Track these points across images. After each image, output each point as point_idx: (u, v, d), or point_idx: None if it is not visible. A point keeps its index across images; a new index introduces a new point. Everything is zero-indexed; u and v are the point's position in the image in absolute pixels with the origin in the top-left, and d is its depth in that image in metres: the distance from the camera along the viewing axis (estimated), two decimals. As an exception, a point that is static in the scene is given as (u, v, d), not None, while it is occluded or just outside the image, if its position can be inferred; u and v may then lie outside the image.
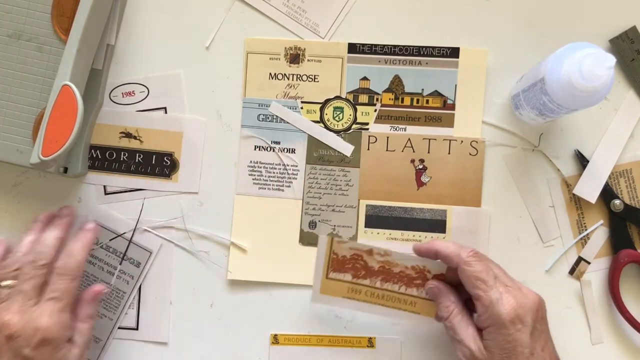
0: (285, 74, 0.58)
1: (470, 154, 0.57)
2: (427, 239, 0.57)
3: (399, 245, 0.57)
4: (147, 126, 0.58)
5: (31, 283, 0.50)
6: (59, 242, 0.53)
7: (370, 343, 0.56)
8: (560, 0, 0.57)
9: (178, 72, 0.58)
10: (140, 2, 0.58)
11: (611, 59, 0.44)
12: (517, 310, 0.46)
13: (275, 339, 0.57)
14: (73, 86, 0.50)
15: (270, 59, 0.58)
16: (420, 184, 0.57)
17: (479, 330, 0.49)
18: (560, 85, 0.46)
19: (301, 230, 0.57)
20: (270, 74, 0.58)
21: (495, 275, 0.48)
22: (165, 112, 0.58)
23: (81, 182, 0.59)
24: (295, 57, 0.58)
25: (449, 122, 0.57)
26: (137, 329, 0.58)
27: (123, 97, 0.58)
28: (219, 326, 0.57)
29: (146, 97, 0.58)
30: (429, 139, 0.57)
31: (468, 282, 0.48)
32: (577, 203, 0.56)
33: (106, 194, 0.58)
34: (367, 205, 0.57)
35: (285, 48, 0.58)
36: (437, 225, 0.57)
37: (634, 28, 0.56)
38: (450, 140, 0.57)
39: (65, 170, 0.56)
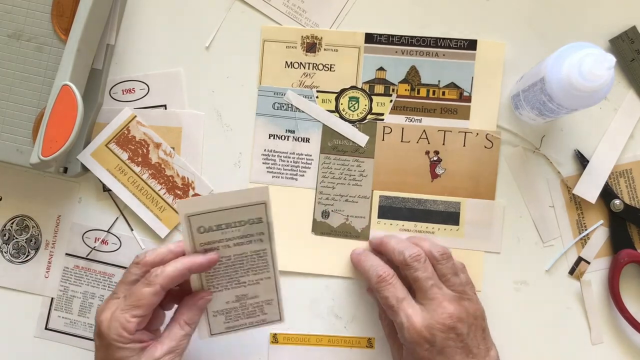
0: (301, 63, 0.58)
1: (485, 147, 0.56)
2: (440, 231, 0.56)
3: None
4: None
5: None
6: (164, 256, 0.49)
7: (370, 343, 0.56)
8: (560, 0, 0.57)
9: (178, 69, 0.58)
10: (140, 2, 0.58)
11: (611, 59, 0.44)
12: (421, 333, 0.47)
13: (274, 339, 0.57)
14: (73, 86, 0.50)
15: (286, 47, 0.58)
16: (434, 175, 0.57)
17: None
18: (560, 85, 0.46)
19: (314, 220, 0.57)
20: (286, 62, 0.58)
21: (402, 298, 0.49)
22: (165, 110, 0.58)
23: (81, 182, 0.59)
24: (311, 45, 0.57)
25: (464, 114, 0.57)
26: None
27: (123, 94, 0.58)
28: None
29: (146, 94, 0.58)
30: (445, 131, 0.57)
31: (380, 306, 0.51)
32: (577, 203, 0.56)
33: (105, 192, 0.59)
34: (380, 196, 0.57)
35: (302, 36, 0.57)
36: (451, 217, 0.56)
37: (634, 28, 0.56)
38: (465, 132, 0.57)
39: (65, 170, 0.56)
